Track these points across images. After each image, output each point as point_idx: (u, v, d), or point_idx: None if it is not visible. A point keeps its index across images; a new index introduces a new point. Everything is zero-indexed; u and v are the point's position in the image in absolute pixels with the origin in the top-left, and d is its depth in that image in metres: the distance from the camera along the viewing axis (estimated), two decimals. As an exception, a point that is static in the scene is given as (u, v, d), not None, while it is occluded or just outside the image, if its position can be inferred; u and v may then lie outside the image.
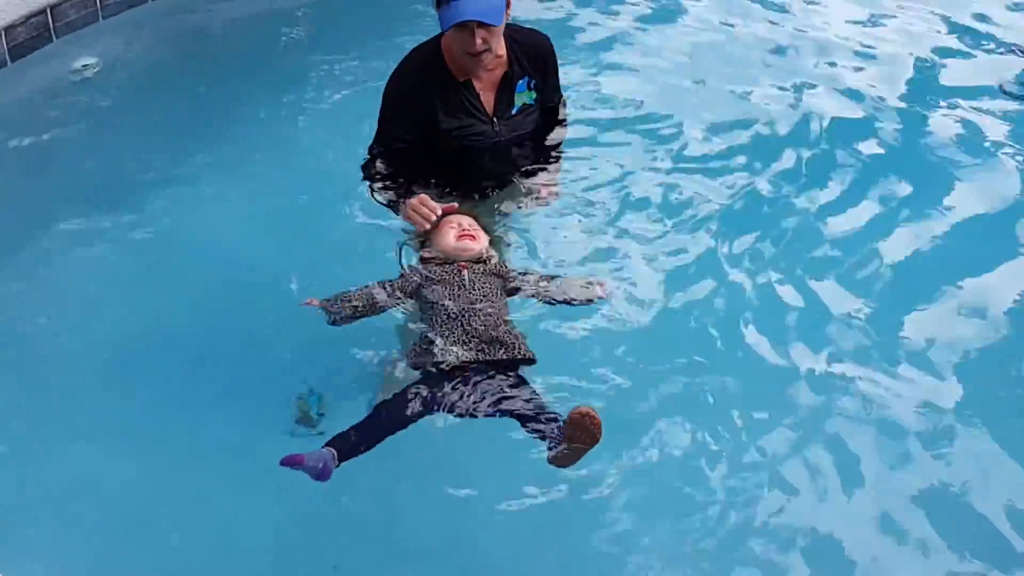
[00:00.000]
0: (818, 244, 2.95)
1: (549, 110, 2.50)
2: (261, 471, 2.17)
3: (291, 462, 1.83)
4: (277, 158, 3.20)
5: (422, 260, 2.22)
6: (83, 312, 2.65)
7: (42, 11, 3.40)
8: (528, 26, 2.44)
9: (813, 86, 3.69)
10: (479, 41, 2.15)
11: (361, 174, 2.38)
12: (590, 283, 2.26)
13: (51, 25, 3.48)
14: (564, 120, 2.56)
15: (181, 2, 3.94)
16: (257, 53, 3.75)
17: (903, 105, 3.63)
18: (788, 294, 2.76)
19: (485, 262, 2.18)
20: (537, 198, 2.46)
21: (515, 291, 2.17)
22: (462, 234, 2.18)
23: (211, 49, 3.77)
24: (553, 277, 2.24)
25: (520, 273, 2.21)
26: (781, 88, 3.68)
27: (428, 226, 2.15)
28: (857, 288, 2.79)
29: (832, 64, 3.89)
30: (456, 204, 2.23)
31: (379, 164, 2.35)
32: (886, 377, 2.49)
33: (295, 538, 2.12)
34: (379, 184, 2.32)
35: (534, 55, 2.38)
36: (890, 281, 2.83)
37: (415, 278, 2.11)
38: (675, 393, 2.42)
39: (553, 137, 2.52)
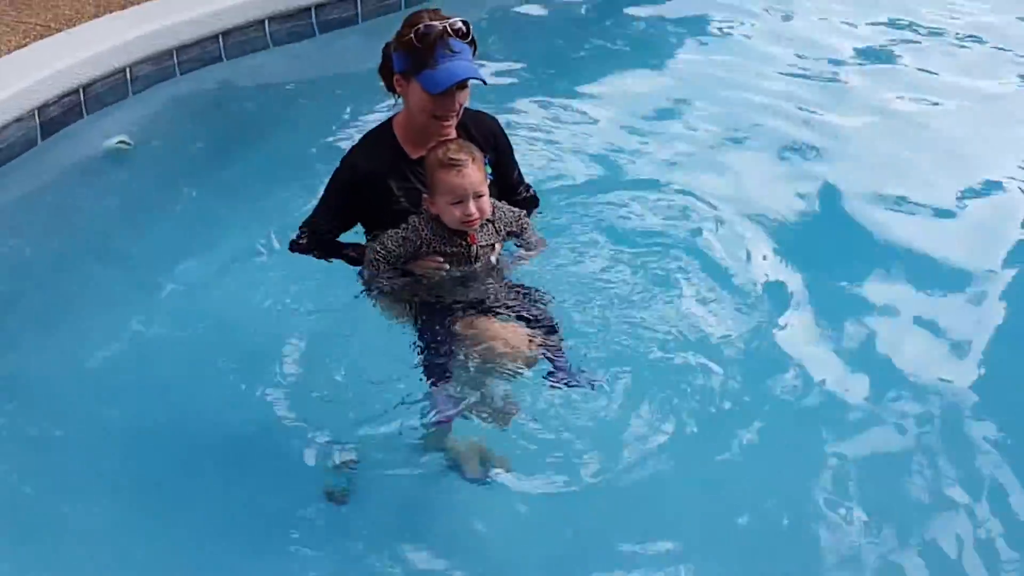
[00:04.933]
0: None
1: (510, 188, 2.68)
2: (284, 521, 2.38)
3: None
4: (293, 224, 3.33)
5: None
6: (109, 369, 2.87)
7: (75, 91, 3.56)
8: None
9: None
10: (458, 104, 2.37)
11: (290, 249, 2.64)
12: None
13: (83, 102, 3.64)
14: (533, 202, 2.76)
15: (208, 77, 4.18)
16: (281, 125, 3.92)
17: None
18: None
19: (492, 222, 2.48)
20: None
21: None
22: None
23: (236, 122, 3.99)
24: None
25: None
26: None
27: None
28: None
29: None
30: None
31: (306, 241, 2.62)
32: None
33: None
34: (317, 253, 2.61)
35: (484, 131, 2.55)
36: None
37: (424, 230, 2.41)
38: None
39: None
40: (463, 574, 2.35)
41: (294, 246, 2.65)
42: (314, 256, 2.67)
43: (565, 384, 2.34)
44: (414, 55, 2.34)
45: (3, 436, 2.70)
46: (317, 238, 2.63)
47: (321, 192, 2.66)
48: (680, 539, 2.37)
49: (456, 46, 2.35)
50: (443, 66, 2.33)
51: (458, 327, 2.43)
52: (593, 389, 2.41)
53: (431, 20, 2.37)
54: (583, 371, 2.38)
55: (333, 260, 2.67)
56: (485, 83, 2.40)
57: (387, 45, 2.52)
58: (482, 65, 2.56)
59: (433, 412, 2.35)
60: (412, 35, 2.34)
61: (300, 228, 2.64)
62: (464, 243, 2.38)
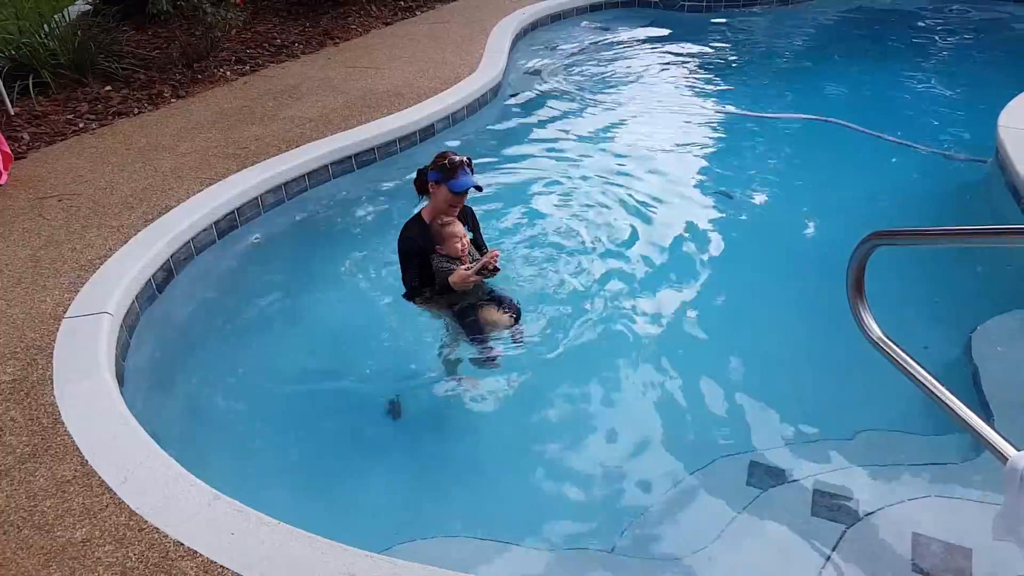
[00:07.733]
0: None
1: (480, 243, 3.97)
2: (369, 439, 3.69)
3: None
4: (366, 278, 4.64)
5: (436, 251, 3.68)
6: (279, 349, 4.22)
7: (232, 211, 5.16)
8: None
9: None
10: (464, 200, 3.62)
11: (408, 298, 3.78)
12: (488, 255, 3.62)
13: (238, 217, 5.22)
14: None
15: (306, 198, 5.57)
16: (346, 221, 5.35)
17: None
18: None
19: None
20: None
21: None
22: (460, 248, 3.65)
23: (323, 223, 5.37)
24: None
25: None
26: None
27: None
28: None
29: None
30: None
31: (412, 292, 3.72)
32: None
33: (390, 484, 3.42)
34: (419, 299, 3.76)
35: (465, 213, 3.81)
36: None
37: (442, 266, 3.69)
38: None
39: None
40: (466, 447, 3.51)
41: (408, 296, 3.69)
42: (421, 297, 3.69)
43: (516, 344, 3.67)
44: (445, 171, 3.47)
45: (224, 390, 3.96)
46: (417, 288, 3.69)
47: (400, 263, 3.72)
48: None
49: (467, 170, 3.51)
50: (462, 179, 3.46)
51: (481, 314, 3.66)
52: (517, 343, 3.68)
53: (454, 155, 3.47)
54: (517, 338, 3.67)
55: (430, 293, 3.67)
56: (481, 189, 3.65)
57: (422, 169, 3.63)
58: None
59: (485, 353, 3.49)
60: (446, 161, 3.45)
61: (407, 288, 3.72)
62: (459, 262, 3.58)
